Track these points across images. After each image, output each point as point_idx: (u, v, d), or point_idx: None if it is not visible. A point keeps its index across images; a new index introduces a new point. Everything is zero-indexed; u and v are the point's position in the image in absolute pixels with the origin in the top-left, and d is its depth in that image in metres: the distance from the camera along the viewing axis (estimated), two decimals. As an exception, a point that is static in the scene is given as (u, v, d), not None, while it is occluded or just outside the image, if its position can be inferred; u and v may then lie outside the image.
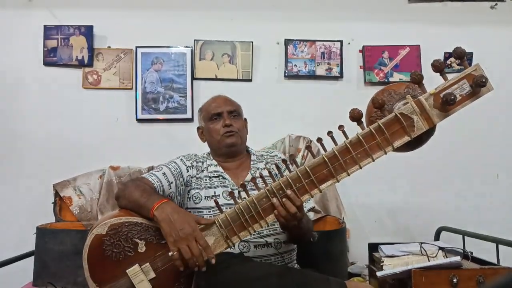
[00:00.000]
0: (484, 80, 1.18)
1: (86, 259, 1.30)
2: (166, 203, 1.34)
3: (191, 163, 1.66)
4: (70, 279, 1.97)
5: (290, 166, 1.38)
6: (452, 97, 1.18)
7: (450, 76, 1.22)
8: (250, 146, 1.81)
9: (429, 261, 1.60)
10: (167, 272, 1.30)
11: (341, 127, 1.25)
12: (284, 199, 1.27)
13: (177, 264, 1.26)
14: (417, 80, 1.23)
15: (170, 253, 1.26)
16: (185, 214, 1.32)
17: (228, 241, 1.31)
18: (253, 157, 1.73)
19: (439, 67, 1.21)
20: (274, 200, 1.27)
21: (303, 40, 2.60)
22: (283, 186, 1.29)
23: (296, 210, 1.27)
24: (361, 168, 1.26)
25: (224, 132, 1.66)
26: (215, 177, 1.65)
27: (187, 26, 2.59)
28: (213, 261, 1.26)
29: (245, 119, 1.80)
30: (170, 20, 2.59)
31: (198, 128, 1.82)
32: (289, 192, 1.27)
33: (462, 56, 1.21)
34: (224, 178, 1.64)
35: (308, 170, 1.28)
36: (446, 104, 1.19)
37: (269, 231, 1.56)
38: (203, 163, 1.69)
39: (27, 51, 2.53)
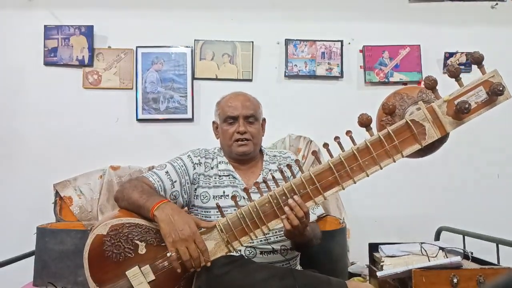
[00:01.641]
0: (501, 88, 1.13)
1: (86, 259, 1.30)
2: (166, 203, 1.32)
3: (199, 160, 1.61)
4: (70, 279, 1.97)
5: (295, 171, 1.36)
6: (467, 106, 1.13)
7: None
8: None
9: (429, 261, 1.60)
10: (166, 275, 1.30)
11: (348, 133, 1.21)
12: (293, 204, 1.24)
13: (174, 265, 1.25)
14: (431, 85, 1.18)
15: (168, 254, 1.25)
16: (185, 216, 1.31)
17: (229, 246, 1.29)
18: (265, 157, 1.68)
19: (454, 73, 1.16)
20: (286, 208, 1.24)
21: (304, 40, 2.59)
22: (286, 192, 1.26)
23: (303, 215, 1.24)
24: (368, 176, 1.22)
25: (237, 138, 1.60)
26: (225, 175, 1.61)
27: (187, 26, 2.59)
28: (209, 264, 1.26)
29: (264, 119, 1.75)
30: (170, 20, 2.59)
31: (213, 122, 1.75)
32: (296, 197, 1.24)
33: (480, 61, 1.16)
34: (235, 178, 1.60)
35: (313, 176, 1.24)
36: (460, 112, 1.15)
37: (276, 237, 1.54)
38: (213, 159, 1.64)
39: (28, 51, 2.53)
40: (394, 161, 1.21)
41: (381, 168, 1.22)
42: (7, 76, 2.52)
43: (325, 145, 1.23)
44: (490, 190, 2.54)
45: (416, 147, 1.20)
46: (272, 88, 2.58)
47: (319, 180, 1.24)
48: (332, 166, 1.23)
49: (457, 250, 1.74)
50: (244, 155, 1.62)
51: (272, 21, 2.62)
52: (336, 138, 1.22)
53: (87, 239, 1.31)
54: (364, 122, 1.21)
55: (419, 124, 1.19)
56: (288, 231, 1.29)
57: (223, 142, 1.66)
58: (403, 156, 1.21)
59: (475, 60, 1.16)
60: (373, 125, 1.26)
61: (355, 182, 1.23)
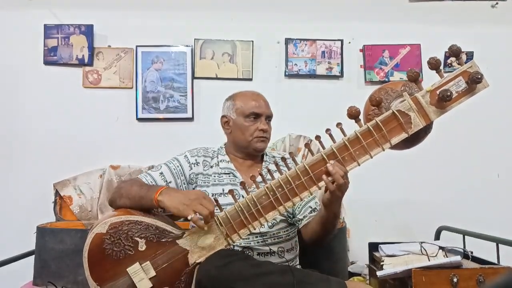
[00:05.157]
0: (479, 76, 1.18)
1: (86, 258, 1.30)
2: (168, 188, 1.39)
3: (196, 160, 1.62)
4: (70, 278, 1.97)
5: (290, 164, 1.38)
6: (448, 94, 1.19)
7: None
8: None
9: (429, 260, 1.60)
10: (167, 271, 1.31)
11: (339, 125, 1.26)
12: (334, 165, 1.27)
13: (200, 225, 1.29)
14: (414, 77, 1.24)
15: (189, 217, 1.28)
16: (188, 190, 1.40)
17: (228, 239, 1.32)
18: (265, 158, 1.71)
19: (435, 65, 1.22)
20: (330, 168, 1.25)
21: (304, 39, 2.59)
22: (282, 183, 1.29)
23: (346, 172, 1.27)
24: (359, 165, 1.27)
25: (259, 135, 1.63)
26: (226, 173, 1.62)
27: (187, 25, 2.58)
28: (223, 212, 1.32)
29: None
30: (170, 19, 2.59)
31: (222, 117, 1.72)
32: (332, 161, 1.26)
33: (457, 54, 1.22)
34: (235, 176, 1.62)
35: (307, 168, 1.28)
36: (443, 100, 1.21)
37: (274, 239, 1.55)
38: (212, 158, 1.66)
39: (27, 50, 2.53)
40: (383, 150, 1.26)
41: (371, 157, 1.26)
42: (6, 75, 2.52)
43: (317, 137, 1.28)
44: (490, 190, 2.54)
45: (403, 135, 1.25)
46: (272, 88, 2.58)
47: (313, 170, 1.29)
48: (325, 157, 1.28)
49: (457, 249, 1.74)
50: (261, 151, 1.68)
51: (272, 21, 2.62)
52: (327, 130, 1.27)
53: (87, 238, 1.31)
54: (353, 114, 1.26)
55: (404, 114, 1.24)
56: (333, 193, 1.30)
57: (239, 137, 1.65)
58: (391, 145, 1.25)
59: (453, 52, 1.22)
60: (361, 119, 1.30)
61: (347, 172, 1.28)
